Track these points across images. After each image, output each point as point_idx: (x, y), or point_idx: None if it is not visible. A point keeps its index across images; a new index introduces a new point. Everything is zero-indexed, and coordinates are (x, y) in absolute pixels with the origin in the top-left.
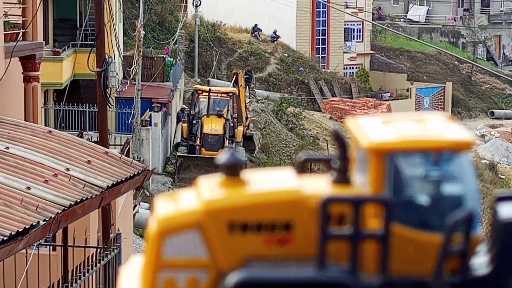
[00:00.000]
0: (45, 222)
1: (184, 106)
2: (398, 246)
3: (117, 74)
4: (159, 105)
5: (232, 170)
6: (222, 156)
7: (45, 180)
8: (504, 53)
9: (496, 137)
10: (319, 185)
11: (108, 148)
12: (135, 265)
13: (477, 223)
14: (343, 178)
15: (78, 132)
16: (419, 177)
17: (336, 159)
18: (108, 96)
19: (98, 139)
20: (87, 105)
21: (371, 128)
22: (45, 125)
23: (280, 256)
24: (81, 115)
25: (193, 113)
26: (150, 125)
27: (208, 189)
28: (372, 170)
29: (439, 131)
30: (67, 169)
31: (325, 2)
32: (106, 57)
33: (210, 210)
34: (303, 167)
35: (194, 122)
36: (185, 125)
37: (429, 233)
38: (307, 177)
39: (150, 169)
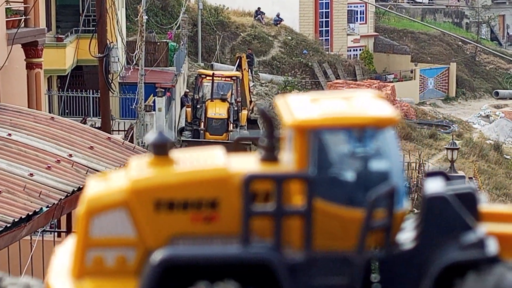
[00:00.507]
0: (48, 208)
1: (188, 90)
2: (321, 222)
3: (119, 60)
4: (163, 90)
5: (160, 149)
6: (150, 136)
7: (48, 166)
8: (508, 33)
9: (500, 117)
10: (246, 163)
11: (112, 133)
12: (69, 245)
13: (401, 199)
14: (270, 156)
15: (82, 118)
16: (344, 154)
17: (264, 138)
18: (111, 81)
19: (101, 125)
20: (91, 91)
21: (297, 106)
22: (49, 112)
23: (207, 233)
24: (85, 101)
25: (197, 97)
26: (154, 110)
27: (136, 169)
28: (296, 147)
29: (363, 108)
30: (70, 155)
31: None
32: (108, 42)
33: (137, 189)
34: (237, 146)
35: (198, 106)
36: (189, 109)
37: (353, 209)
38: (237, 156)
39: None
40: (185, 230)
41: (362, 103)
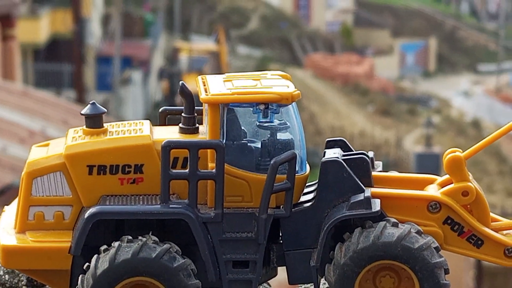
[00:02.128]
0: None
1: (165, 64)
2: (231, 184)
3: (93, 33)
4: (139, 63)
5: (93, 120)
6: (84, 108)
7: (21, 139)
8: (487, 9)
9: (479, 93)
10: (168, 133)
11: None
12: (15, 204)
13: (303, 164)
14: (189, 127)
15: (56, 91)
16: (251, 126)
17: (185, 111)
18: (85, 54)
19: (76, 98)
20: (66, 63)
21: (212, 84)
22: (24, 84)
23: (133, 193)
24: (60, 73)
25: (174, 71)
26: (130, 83)
27: (72, 137)
28: (209, 119)
29: (269, 86)
30: (43, 128)
31: None
32: (83, 15)
33: (72, 155)
34: (163, 118)
35: (175, 80)
36: (165, 83)
37: (259, 174)
38: (161, 127)
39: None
40: (114, 191)
41: (269, 81)
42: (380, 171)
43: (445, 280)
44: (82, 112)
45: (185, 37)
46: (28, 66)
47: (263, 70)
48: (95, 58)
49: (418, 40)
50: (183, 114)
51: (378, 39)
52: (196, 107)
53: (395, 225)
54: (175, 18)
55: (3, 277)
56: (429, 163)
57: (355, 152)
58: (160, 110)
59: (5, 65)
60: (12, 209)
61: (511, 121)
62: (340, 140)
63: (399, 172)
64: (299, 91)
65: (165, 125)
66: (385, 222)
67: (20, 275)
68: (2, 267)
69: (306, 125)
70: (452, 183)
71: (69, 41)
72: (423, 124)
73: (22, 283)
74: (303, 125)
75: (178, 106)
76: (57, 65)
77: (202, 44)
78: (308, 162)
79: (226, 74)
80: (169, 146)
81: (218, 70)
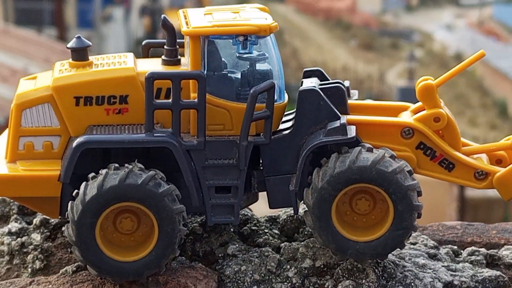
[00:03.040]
0: (4, 120)
1: (146, 0)
2: (212, 114)
3: None
4: (120, 0)
5: (79, 53)
6: (70, 42)
7: (3, 78)
8: None
9: (462, 27)
10: (151, 65)
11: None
12: (5, 136)
13: (281, 94)
14: (172, 59)
15: (37, 28)
16: (231, 57)
17: (167, 43)
18: None
19: (57, 35)
20: (47, 1)
21: (193, 17)
22: (5, 21)
23: (119, 123)
24: (41, 11)
25: (156, 7)
26: (112, 20)
27: (59, 70)
28: (190, 51)
29: (248, 18)
30: (25, 67)
31: None
32: None
33: (59, 86)
34: (146, 51)
35: (157, 17)
36: (147, 20)
37: (239, 103)
38: (145, 59)
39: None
40: (101, 121)
41: (248, 14)
42: (356, 99)
43: (418, 202)
44: (68, 45)
45: None
46: (8, 4)
47: (244, 3)
48: None
49: None
50: (165, 47)
51: None
52: (177, 40)
53: (370, 150)
54: None
55: None
56: (412, 97)
57: (331, 81)
58: (143, 43)
59: None
60: (2, 140)
61: (481, 49)
62: (317, 70)
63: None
64: (276, 23)
65: (148, 57)
66: (360, 147)
67: (11, 203)
68: None
69: (289, 61)
70: (424, 110)
71: None
72: (406, 58)
73: (13, 211)
74: (286, 60)
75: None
76: (38, 2)
77: None
78: (288, 94)
79: (206, 8)
80: (152, 77)
81: (200, 6)
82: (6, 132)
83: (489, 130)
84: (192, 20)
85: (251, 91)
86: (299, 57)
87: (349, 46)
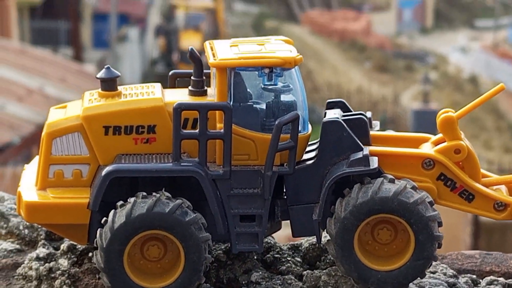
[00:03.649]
0: (20, 139)
1: (161, 21)
2: (238, 144)
3: None
4: (136, 20)
5: (108, 84)
6: (100, 72)
7: (19, 97)
8: None
9: (477, 50)
10: (178, 96)
11: (84, 63)
12: (35, 163)
13: (305, 124)
14: (199, 90)
15: (53, 48)
16: (257, 90)
17: (194, 74)
18: (81, 11)
19: (72, 55)
20: (62, 21)
21: (219, 49)
22: (21, 41)
23: (147, 152)
24: (57, 30)
25: (170, 28)
26: (127, 40)
27: (88, 100)
28: (217, 82)
29: (273, 51)
30: (41, 87)
31: None
32: None
33: (89, 116)
34: (172, 81)
35: (172, 37)
36: (162, 40)
37: (264, 133)
38: (172, 90)
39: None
40: (129, 150)
41: (273, 46)
42: (378, 130)
43: (438, 232)
44: (97, 76)
45: None
46: (24, 24)
47: (260, 26)
48: (92, 15)
49: None
50: (192, 78)
51: None
52: (204, 71)
53: (391, 181)
54: None
55: (22, 231)
56: (426, 120)
57: (354, 112)
58: (170, 73)
59: (2, 23)
60: (32, 168)
61: (502, 82)
62: (340, 101)
63: (396, 131)
64: (301, 56)
65: (174, 87)
66: (382, 178)
67: (38, 229)
68: (22, 222)
69: (304, 82)
70: (445, 141)
71: None
72: (420, 81)
73: (41, 236)
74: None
75: (174, 63)
76: (54, 22)
77: (199, 1)
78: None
79: (233, 39)
80: (180, 107)
81: (215, 27)
82: (36, 159)
83: (504, 153)
84: (218, 52)
85: (276, 123)
86: (313, 78)
87: (364, 67)
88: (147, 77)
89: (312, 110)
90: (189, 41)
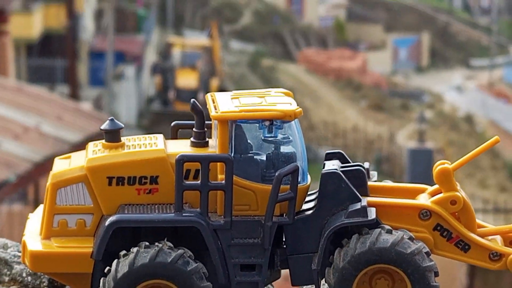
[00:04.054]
0: (16, 177)
1: (158, 59)
2: (239, 194)
3: (87, 28)
4: (132, 58)
5: (112, 135)
6: (104, 124)
7: (16, 135)
8: (480, 4)
9: (472, 89)
10: (180, 147)
11: (80, 101)
12: (39, 212)
13: (304, 176)
14: (200, 141)
15: (49, 86)
16: (257, 140)
17: (196, 126)
18: (78, 49)
19: (69, 93)
20: (59, 58)
21: (220, 101)
22: (17, 79)
23: (149, 202)
24: (54, 68)
25: (167, 66)
26: (123, 78)
27: (92, 150)
28: (218, 135)
29: (273, 103)
30: (38, 125)
31: None
32: (76, 11)
33: (93, 167)
34: (174, 132)
35: (168, 75)
36: (158, 78)
37: (264, 184)
38: (174, 140)
39: (123, 124)
40: (132, 200)
41: (273, 99)
42: (375, 181)
43: (435, 282)
44: (101, 127)
45: (178, 32)
46: (21, 62)
47: (256, 65)
48: (88, 53)
49: (411, 35)
50: (194, 129)
51: (371, 34)
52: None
53: (389, 231)
54: (168, 13)
55: (26, 278)
56: (422, 159)
57: (352, 164)
58: (172, 124)
59: None
60: (36, 217)
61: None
62: (338, 152)
63: (393, 181)
64: (300, 109)
65: (176, 138)
66: (380, 229)
67: (41, 276)
68: (25, 269)
69: (299, 120)
70: (441, 192)
71: (62, 36)
72: (416, 119)
73: (44, 284)
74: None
75: (170, 101)
76: (50, 60)
77: (195, 39)
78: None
79: (234, 92)
80: (182, 159)
81: (211, 65)
82: (40, 208)
83: (499, 192)
84: (220, 104)
85: (276, 174)
86: (309, 117)
87: (360, 106)
88: (143, 115)
89: (308, 148)
90: (185, 79)
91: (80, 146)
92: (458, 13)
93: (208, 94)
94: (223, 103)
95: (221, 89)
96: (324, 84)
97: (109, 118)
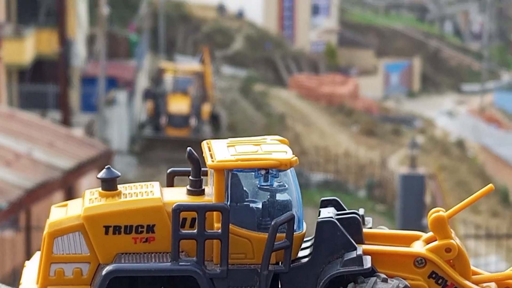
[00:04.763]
0: (7, 204)
1: (149, 84)
2: (235, 243)
3: (79, 54)
4: (124, 84)
5: (109, 183)
6: (100, 173)
7: (7, 162)
8: (471, 29)
9: (463, 113)
10: (177, 195)
11: (72, 127)
12: (36, 260)
13: (300, 224)
14: (196, 189)
15: (41, 112)
16: (253, 189)
17: (192, 174)
18: (71, 75)
19: (61, 119)
20: (51, 84)
21: (217, 149)
22: (8, 105)
23: (146, 251)
24: (45, 94)
25: (159, 91)
26: (115, 104)
27: (89, 199)
28: (215, 183)
29: (269, 152)
30: (29, 151)
31: None
32: (68, 36)
33: (89, 216)
34: (170, 179)
35: (160, 100)
36: (150, 104)
37: (260, 233)
38: (170, 188)
39: (114, 150)
40: (129, 249)
41: (269, 147)
42: (370, 228)
43: None
44: (98, 176)
45: (170, 57)
46: (12, 87)
47: (248, 90)
48: (80, 79)
49: (402, 60)
50: (190, 177)
51: (362, 59)
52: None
53: (384, 280)
54: (160, 39)
55: None
56: (413, 185)
57: (347, 211)
58: (168, 171)
59: None
60: (33, 265)
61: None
62: (334, 199)
63: (389, 229)
64: (296, 158)
65: (172, 185)
66: (375, 278)
67: None
68: None
69: (291, 145)
70: (436, 240)
71: (54, 61)
72: (408, 145)
73: None
74: (288, 145)
75: (162, 126)
76: (42, 86)
77: (187, 65)
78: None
79: (229, 140)
80: (179, 209)
81: (203, 91)
82: (36, 255)
83: (491, 218)
84: (216, 153)
85: (272, 223)
86: (301, 142)
87: (351, 131)
88: (135, 141)
89: (300, 174)
90: (177, 104)
91: (72, 172)
92: (449, 38)
93: (204, 142)
94: (219, 152)
95: (213, 115)
96: (315, 109)
97: (106, 167)
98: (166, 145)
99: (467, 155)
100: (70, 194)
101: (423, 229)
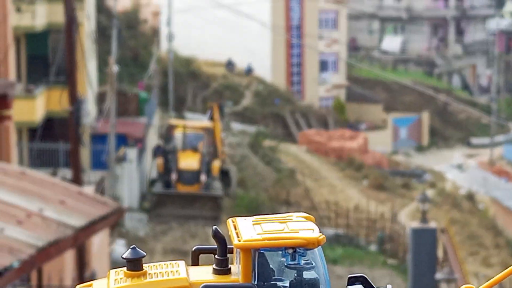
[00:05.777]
0: (19, 263)
1: (160, 141)
2: None
3: (89, 112)
4: (134, 141)
5: (134, 264)
6: (125, 253)
7: (19, 221)
8: (479, 83)
9: (473, 167)
10: (203, 274)
11: (83, 185)
12: None
13: None
14: (222, 268)
15: (52, 170)
16: (280, 267)
17: (218, 253)
18: (81, 134)
19: (72, 178)
20: (61, 142)
21: (242, 227)
22: (19, 163)
23: None
24: (56, 152)
25: (169, 148)
26: (125, 161)
27: (114, 279)
28: (242, 263)
29: (296, 230)
30: (41, 210)
31: (299, 41)
32: (78, 95)
33: None
34: (195, 257)
35: (170, 157)
36: (160, 160)
37: None
38: (196, 267)
39: (125, 207)
40: None
41: (295, 224)
42: None
43: None
44: (123, 256)
45: (179, 114)
46: (23, 145)
47: (257, 146)
48: (90, 136)
49: (411, 115)
50: (216, 256)
51: (371, 114)
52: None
53: None
54: (169, 96)
55: None
56: (425, 239)
57: (375, 287)
58: (193, 249)
59: (1, 146)
60: None
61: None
62: (361, 276)
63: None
64: (324, 236)
65: (197, 263)
66: None
67: None
68: None
69: (301, 200)
70: None
71: (64, 119)
72: (418, 199)
73: None
74: (298, 200)
75: (173, 183)
76: (53, 144)
77: (197, 121)
78: None
79: (255, 217)
80: None
81: (213, 147)
82: None
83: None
84: (242, 232)
85: None
86: (311, 197)
87: (361, 186)
88: (145, 197)
89: None
90: (187, 161)
91: (83, 230)
92: (457, 92)
93: (229, 220)
94: (245, 231)
95: (223, 170)
96: (325, 164)
97: (131, 247)
98: (177, 202)
99: (477, 208)
100: (81, 252)
101: (436, 283)
